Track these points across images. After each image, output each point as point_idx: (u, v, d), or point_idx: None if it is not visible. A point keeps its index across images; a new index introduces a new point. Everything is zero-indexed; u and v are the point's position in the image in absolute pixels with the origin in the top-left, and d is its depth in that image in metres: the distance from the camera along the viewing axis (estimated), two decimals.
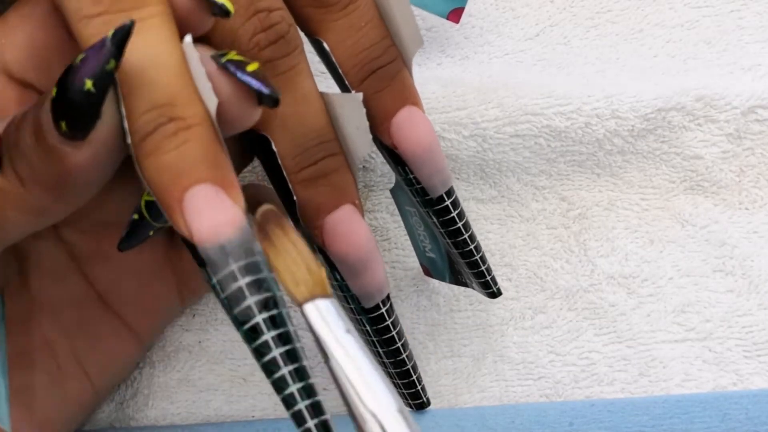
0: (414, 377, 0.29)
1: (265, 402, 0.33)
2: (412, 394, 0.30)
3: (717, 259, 0.34)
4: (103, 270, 0.29)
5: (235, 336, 0.33)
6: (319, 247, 0.26)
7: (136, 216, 0.24)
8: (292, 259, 0.21)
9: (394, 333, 0.27)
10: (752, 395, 0.31)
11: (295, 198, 0.25)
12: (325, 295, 0.21)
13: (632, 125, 0.34)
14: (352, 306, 0.27)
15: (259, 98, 0.22)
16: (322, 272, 0.20)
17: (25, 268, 0.28)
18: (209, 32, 0.23)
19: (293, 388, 0.20)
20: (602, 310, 0.34)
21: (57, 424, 0.29)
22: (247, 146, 0.27)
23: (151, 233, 0.25)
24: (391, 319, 0.27)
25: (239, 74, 0.22)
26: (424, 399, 0.30)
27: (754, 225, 0.34)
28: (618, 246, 0.34)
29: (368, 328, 0.27)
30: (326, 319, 0.20)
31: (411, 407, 0.31)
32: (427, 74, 0.36)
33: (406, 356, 0.28)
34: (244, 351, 0.33)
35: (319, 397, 0.20)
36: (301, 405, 0.20)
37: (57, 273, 0.28)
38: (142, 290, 0.30)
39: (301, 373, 0.20)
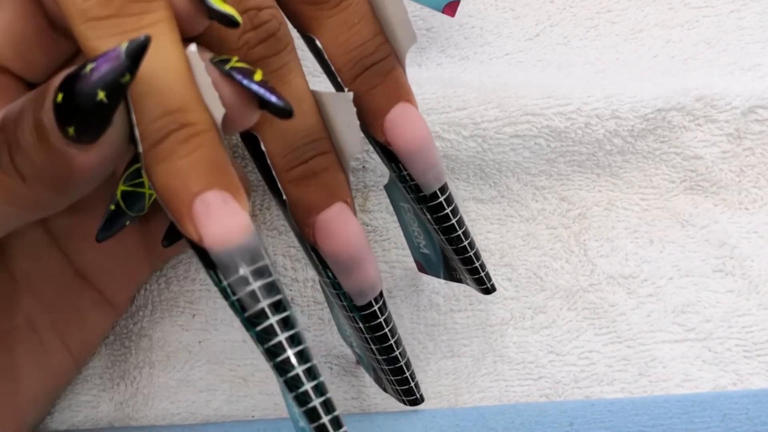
0: (407, 374, 0.29)
1: (265, 402, 0.33)
2: (406, 391, 0.30)
3: (717, 259, 0.34)
4: (80, 246, 0.30)
5: (235, 336, 0.33)
6: (311, 245, 0.26)
7: (113, 207, 0.25)
8: None
9: (386, 330, 0.27)
10: (752, 395, 0.31)
11: (285, 197, 0.25)
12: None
13: (632, 125, 0.34)
14: (345, 303, 0.27)
15: (263, 105, 0.22)
16: None
17: (4, 248, 0.29)
18: None
19: (307, 386, 0.21)
20: (602, 310, 0.34)
21: (41, 398, 0.30)
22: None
23: (128, 223, 0.25)
24: (383, 317, 0.27)
25: (246, 83, 0.22)
26: (418, 396, 0.30)
27: (754, 225, 0.34)
28: (618, 246, 0.34)
29: (361, 325, 0.27)
30: None
31: (405, 404, 0.30)
32: (427, 74, 0.36)
33: (399, 353, 0.28)
34: (244, 351, 0.33)
35: (330, 395, 0.21)
36: (316, 402, 0.21)
37: (36, 251, 0.29)
38: (117, 263, 0.31)
39: (313, 372, 0.21)
